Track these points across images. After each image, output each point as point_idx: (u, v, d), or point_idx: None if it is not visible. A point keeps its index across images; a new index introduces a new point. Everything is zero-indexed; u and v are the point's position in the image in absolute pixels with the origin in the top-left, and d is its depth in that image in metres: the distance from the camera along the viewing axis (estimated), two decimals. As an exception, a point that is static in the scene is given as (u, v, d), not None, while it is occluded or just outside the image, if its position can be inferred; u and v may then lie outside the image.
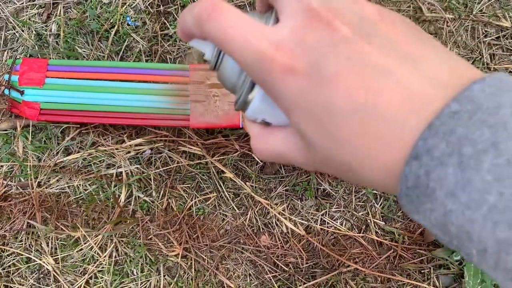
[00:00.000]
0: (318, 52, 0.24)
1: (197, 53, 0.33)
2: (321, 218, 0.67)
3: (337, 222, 0.67)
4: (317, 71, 0.24)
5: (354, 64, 0.23)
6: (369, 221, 0.67)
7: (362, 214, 0.67)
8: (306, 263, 0.65)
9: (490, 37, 0.70)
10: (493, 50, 0.70)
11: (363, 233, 0.66)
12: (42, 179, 0.67)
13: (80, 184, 0.67)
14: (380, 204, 0.67)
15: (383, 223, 0.66)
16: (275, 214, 0.67)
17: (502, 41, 0.70)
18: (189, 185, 0.67)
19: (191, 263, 0.66)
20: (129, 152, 0.67)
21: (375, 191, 0.67)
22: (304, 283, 0.65)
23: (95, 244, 0.66)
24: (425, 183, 0.22)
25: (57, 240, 0.67)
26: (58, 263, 0.66)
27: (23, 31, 0.71)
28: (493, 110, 0.22)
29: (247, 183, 0.67)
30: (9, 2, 0.72)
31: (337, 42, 0.24)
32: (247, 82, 0.29)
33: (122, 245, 0.67)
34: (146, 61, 0.69)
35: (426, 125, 0.22)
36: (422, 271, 0.65)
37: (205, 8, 0.26)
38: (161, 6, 0.70)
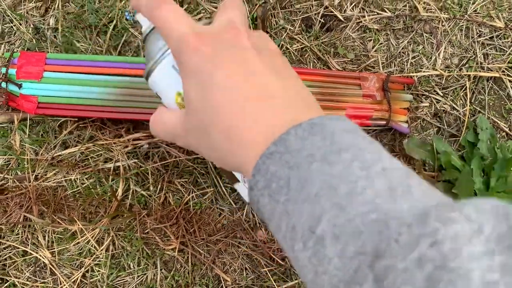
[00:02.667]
0: (222, 46, 0.33)
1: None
2: (317, 213, 0.68)
3: (332, 217, 0.68)
4: (216, 56, 0.32)
5: (241, 61, 0.32)
6: (364, 216, 0.68)
7: (357, 210, 0.68)
8: (302, 258, 0.66)
9: (484, 37, 0.71)
10: (487, 50, 0.71)
11: (358, 228, 0.67)
12: (39, 173, 0.67)
13: (77, 178, 0.68)
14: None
15: (378, 218, 0.67)
16: (271, 209, 0.67)
17: (495, 41, 0.71)
18: (186, 180, 0.68)
19: (187, 257, 0.66)
20: (126, 146, 0.67)
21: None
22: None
23: (92, 237, 0.66)
24: (258, 207, 0.29)
25: (53, 234, 0.67)
26: (55, 256, 0.67)
27: (20, 24, 0.71)
28: (296, 152, 0.27)
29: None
30: (7, -5, 0.71)
31: (239, 47, 0.33)
32: (160, 55, 0.38)
33: (119, 238, 0.67)
34: (144, 56, 0.70)
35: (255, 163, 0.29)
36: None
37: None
38: (160, 1, 0.70)
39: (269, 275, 0.66)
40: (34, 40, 0.70)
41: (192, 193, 0.67)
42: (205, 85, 0.32)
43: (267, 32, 0.70)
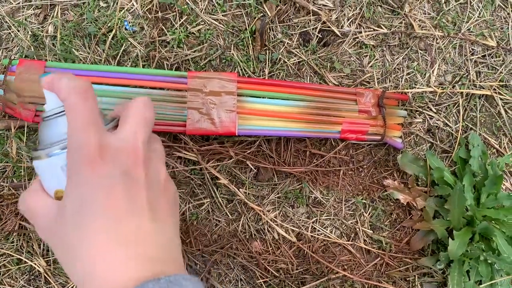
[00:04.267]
0: (118, 170, 0.33)
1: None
2: (312, 226, 0.69)
3: (327, 230, 0.69)
4: (106, 180, 0.32)
5: (128, 195, 0.33)
6: (357, 229, 0.69)
7: (351, 223, 0.69)
8: (297, 269, 0.67)
9: (477, 55, 0.73)
10: (479, 68, 0.73)
11: (351, 241, 0.68)
12: (35, 181, 0.67)
13: (73, 187, 0.68)
14: (369, 213, 0.69)
15: (371, 231, 0.69)
16: (267, 221, 0.68)
17: (487, 59, 0.73)
18: (183, 190, 0.68)
19: (183, 267, 0.67)
20: (124, 156, 0.67)
21: (364, 200, 0.69)
22: (294, 289, 0.67)
23: (87, 246, 0.67)
24: None
25: (49, 242, 0.67)
26: (50, 265, 0.66)
27: (18, 31, 0.71)
28: None
29: (240, 189, 0.69)
30: (5, 1, 0.71)
31: (132, 176, 0.33)
32: (53, 150, 0.37)
33: (115, 248, 0.67)
34: (143, 66, 0.70)
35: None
36: (407, 278, 0.67)
37: (82, 88, 0.35)
38: (159, 12, 0.71)
39: (264, 286, 0.67)
40: (32, 48, 0.70)
41: (188, 203, 0.68)
42: (84, 207, 0.32)
43: (265, 46, 0.71)
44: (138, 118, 0.37)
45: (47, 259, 0.67)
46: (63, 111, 0.36)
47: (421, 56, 0.73)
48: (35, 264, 0.66)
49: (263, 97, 0.67)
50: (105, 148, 0.33)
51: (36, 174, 0.40)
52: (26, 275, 0.67)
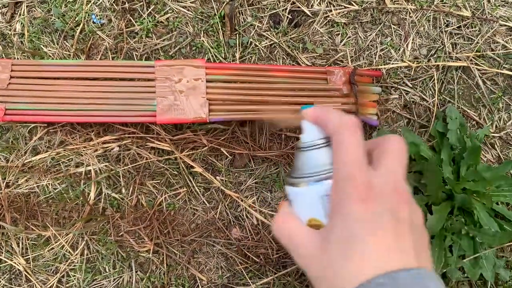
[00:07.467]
0: (384, 210, 0.34)
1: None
2: (290, 209, 0.68)
3: (306, 213, 0.68)
4: (374, 219, 0.33)
5: (395, 235, 0.33)
6: (337, 210, 0.68)
7: (330, 204, 0.68)
8: (277, 254, 0.66)
9: (452, 26, 0.71)
10: (455, 40, 0.71)
11: (331, 223, 0.67)
12: (10, 180, 0.67)
13: (49, 184, 0.67)
14: (348, 194, 0.68)
15: (351, 212, 0.67)
16: (245, 207, 0.67)
17: (463, 30, 0.71)
18: (158, 181, 0.68)
19: (162, 258, 0.66)
20: (96, 150, 0.67)
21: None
22: (275, 273, 0.66)
23: (66, 242, 0.66)
24: None
25: (27, 240, 0.67)
26: (30, 263, 0.66)
27: (-14, 31, 0.70)
28: None
29: (217, 177, 0.68)
30: (-28, 2, 0.71)
31: (397, 218, 0.34)
32: (314, 178, 0.37)
33: (93, 242, 0.67)
34: (112, 58, 0.69)
35: (360, 283, 0.31)
36: (390, 257, 0.66)
37: (352, 123, 0.35)
38: (126, 3, 0.70)
39: (244, 273, 0.66)
40: (0, 47, 0.70)
41: (164, 194, 0.67)
42: (352, 241, 0.33)
43: (235, 30, 0.70)
44: (398, 156, 0.37)
45: (27, 257, 0.67)
46: (324, 143, 0.38)
47: (394, 31, 0.71)
48: (15, 263, 0.66)
49: (234, 82, 0.66)
50: (371, 185, 0.34)
51: (285, 198, 0.40)
52: (7, 275, 0.67)
